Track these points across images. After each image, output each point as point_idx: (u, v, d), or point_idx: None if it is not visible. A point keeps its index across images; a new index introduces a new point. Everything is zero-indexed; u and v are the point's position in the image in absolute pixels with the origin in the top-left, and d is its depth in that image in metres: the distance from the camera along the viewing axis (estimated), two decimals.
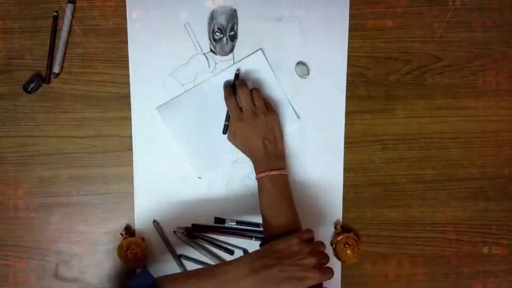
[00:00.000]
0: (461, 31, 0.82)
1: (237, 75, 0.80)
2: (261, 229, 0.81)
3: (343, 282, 0.84)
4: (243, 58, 0.81)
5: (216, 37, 0.81)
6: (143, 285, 0.64)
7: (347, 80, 0.82)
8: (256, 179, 0.75)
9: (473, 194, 0.84)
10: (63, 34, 0.79)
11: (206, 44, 0.81)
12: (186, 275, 0.70)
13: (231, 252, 0.82)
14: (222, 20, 0.80)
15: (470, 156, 0.84)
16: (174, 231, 0.81)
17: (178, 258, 0.82)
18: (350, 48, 0.81)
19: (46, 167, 0.81)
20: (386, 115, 0.83)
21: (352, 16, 0.81)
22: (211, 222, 0.82)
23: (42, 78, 0.80)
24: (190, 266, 0.82)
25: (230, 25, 0.80)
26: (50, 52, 0.80)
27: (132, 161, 0.81)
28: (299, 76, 0.80)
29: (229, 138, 0.79)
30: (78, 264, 0.82)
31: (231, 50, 0.81)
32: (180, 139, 0.80)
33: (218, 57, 0.81)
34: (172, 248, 0.81)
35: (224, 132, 0.79)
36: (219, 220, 0.82)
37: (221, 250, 0.82)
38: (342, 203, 0.83)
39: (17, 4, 0.80)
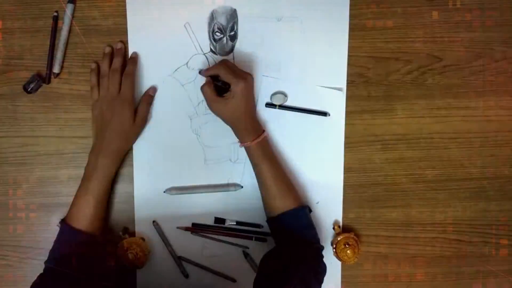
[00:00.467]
0: (461, 31, 0.82)
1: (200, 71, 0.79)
2: (261, 229, 0.81)
3: (343, 282, 0.84)
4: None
5: (216, 37, 0.81)
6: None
7: (347, 80, 0.82)
8: (243, 146, 0.77)
9: (473, 194, 0.84)
10: (63, 34, 0.79)
11: (206, 44, 0.81)
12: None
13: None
14: (222, 20, 0.80)
15: (470, 156, 0.83)
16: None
17: (178, 258, 0.82)
18: (350, 48, 0.81)
19: (46, 167, 0.81)
20: (386, 115, 0.83)
21: (352, 16, 0.81)
22: (211, 222, 0.82)
23: (42, 78, 0.80)
24: (190, 266, 0.82)
25: (230, 25, 0.80)
26: (50, 52, 0.79)
27: (132, 161, 0.81)
28: (276, 105, 0.80)
29: (214, 112, 0.77)
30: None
31: (231, 50, 0.81)
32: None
33: (218, 57, 0.81)
34: (172, 248, 0.81)
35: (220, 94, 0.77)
36: (219, 220, 0.82)
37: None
38: (342, 203, 0.83)
39: (17, 4, 0.80)
